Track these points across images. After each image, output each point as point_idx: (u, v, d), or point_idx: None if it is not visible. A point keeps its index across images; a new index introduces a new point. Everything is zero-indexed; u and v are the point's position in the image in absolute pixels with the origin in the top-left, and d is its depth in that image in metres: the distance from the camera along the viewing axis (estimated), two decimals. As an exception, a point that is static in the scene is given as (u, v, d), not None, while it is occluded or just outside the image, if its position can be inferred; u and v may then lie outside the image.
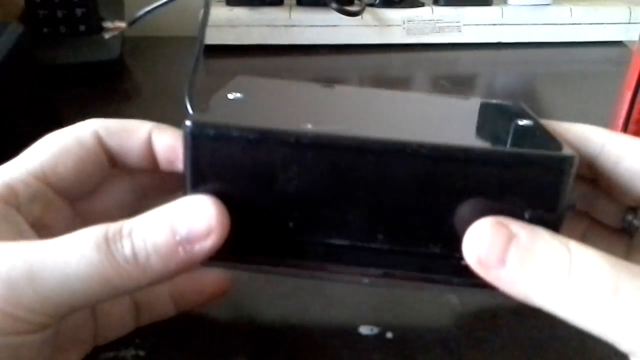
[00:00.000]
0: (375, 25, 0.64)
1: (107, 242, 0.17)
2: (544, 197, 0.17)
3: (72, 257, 0.17)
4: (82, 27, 0.53)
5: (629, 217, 0.22)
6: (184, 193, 0.18)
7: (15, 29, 0.37)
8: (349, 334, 0.24)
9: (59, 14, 0.52)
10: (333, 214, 0.18)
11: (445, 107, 0.22)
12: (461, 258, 0.17)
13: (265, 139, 0.17)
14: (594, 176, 0.22)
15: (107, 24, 0.47)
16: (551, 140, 0.19)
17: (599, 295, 0.15)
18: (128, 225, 0.17)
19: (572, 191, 0.19)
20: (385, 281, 0.19)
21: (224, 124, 0.17)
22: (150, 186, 0.23)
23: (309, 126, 0.17)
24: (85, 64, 0.52)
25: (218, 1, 0.66)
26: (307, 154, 0.17)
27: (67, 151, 0.20)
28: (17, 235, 0.19)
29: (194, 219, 0.17)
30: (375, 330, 0.25)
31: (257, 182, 0.18)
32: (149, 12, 0.43)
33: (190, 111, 0.41)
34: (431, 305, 0.26)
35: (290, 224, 0.18)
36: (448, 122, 0.21)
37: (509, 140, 0.19)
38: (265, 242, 0.19)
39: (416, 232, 0.18)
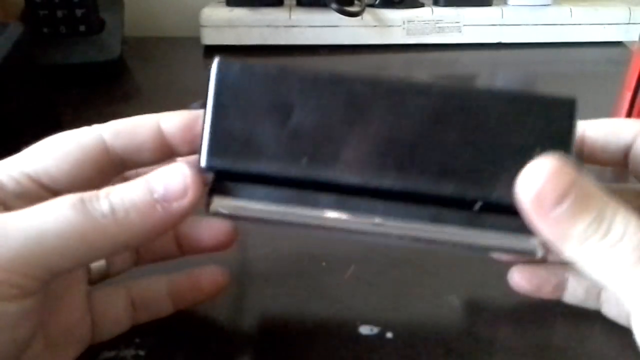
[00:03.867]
0: (375, 26, 0.64)
1: (83, 202, 0.17)
2: (551, 138, 0.18)
3: (48, 216, 0.17)
4: (82, 27, 0.53)
5: None
6: (202, 129, 0.19)
7: (15, 29, 0.37)
8: (349, 334, 0.25)
9: (59, 14, 0.52)
10: (345, 149, 0.18)
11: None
12: (473, 202, 0.18)
13: (285, 75, 0.18)
14: (627, 167, 0.22)
15: None
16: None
17: (625, 261, 0.16)
18: (105, 189, 0.18)
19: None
20: (396, 232, 0.19)
21: (247, 62, 0.19)
22: None
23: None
24: (85, 64, 0.52)
25: (218, 1, 0.66)
26: (323, 90, 0.18)
27: (66, 155, 0.20)
28: None
29: (170, 179, 0.18)
30: (375, 330, 0.25)
31: (272, 115, 0.18)
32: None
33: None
34: (431, 305, 0.26)
35: (304, 160, 0.18)
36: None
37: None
38: (278, 178, 0.19)
39: (427, 169, 0.18)
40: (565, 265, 0.24)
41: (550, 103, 0.18)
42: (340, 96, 0.18)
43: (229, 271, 0.25)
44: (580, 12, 0.65)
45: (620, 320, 0.23)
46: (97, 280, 0.24)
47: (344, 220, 0.19)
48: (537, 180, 0.17)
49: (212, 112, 0.19)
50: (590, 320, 0.24)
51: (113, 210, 0.18)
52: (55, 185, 0.20)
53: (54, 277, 0.18)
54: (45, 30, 0.52)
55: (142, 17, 0.70)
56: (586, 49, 0.65)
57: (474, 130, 0.18)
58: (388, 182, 0.18)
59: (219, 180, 0.19)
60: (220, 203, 0.19)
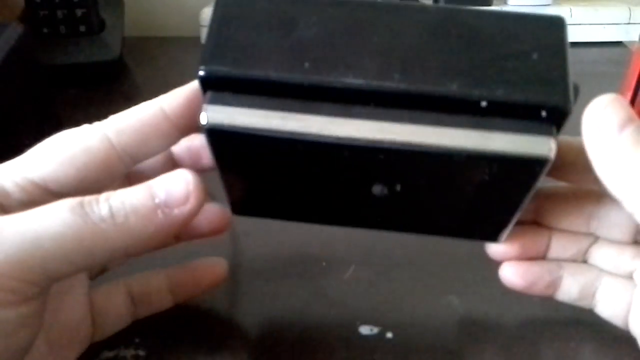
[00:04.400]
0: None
1: (82, 206, 0.17)
2: (546, 44, 0.18)
3: (45, 219, 0.17)
4: (82, 27, 0.53)
5: None
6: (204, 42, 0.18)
7: (15, 29, 0.37)
8: (349, 334, 0.25)
9: (59, 14, 0.52)
10: (349, 55, 0.18)
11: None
12: (479, 102, 0.18)
13: None
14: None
15: None
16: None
17: None
18: (105, 194, 0.18)
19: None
20: (399, 138, 0.18)
21: None
22: None
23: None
24: (85, 64, 0.52)
25: (218, 1, 0.66)
26: (327, 7, 0.18)
27: (72, 159, 0.19)
28: None
29: (172, 185, 0.18)
30: (375, 330, 0.25)
31: (275, 28, 0.18)
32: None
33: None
34: (431, 305, 0.26)
35: (306, 64, 0.18)
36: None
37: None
38: (280, 83, 0.18)
39: (430, 71, 0.18)
40: (559, 262, 0.24)
41: (540, 18, 0.19)
42: (343, 12, 0.18)
43: (226, 262, 0.25)
44: (580, 12, 0.65)
45: (615, 320, 0.23)
46: (97, 274, 0.24)
47: (345, 125, 0.18)
48: (601, 105, 0.17)
49: (213, 25, 0.18)
50: (591, 318, 0.24)
51: (112, 215, 0.17)
52: (62, 190, 0.19)
53: (52, 282, 0.17)
54: (45, 30, 0.52)
55: (142, 17, 0.70)
56: (586, 49, 0.65)
57: (473, 39, 0.18)
58: (392, 83, 0.18)
59: (216, 92, 0.18)
60: (216, 111, 0.18)
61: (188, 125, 0.20)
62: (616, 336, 0.23)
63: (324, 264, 0.29)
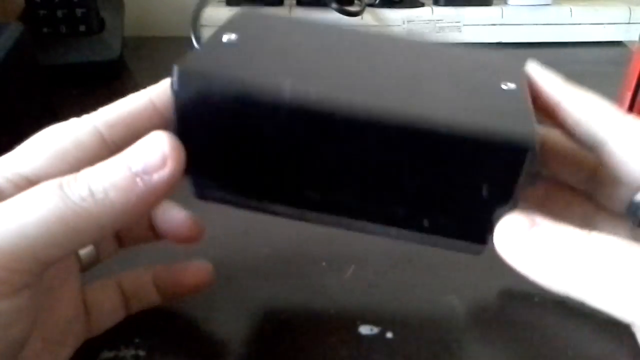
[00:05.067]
0: (376, 25, 0.64)
1: (61, 187, 0.17)
2: (499, 180, 0.18)
3: (27, 206, 0.17)
4: (82, 27, 0.53)
5: (634, 208, 0.21)
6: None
7: (15, 29, 0.37)
8: (349, 334, 0.25)
9: (59, 13, 0.52)
10: (304, 169, 0.19)
11: (440, 60, 0.22)
12: (422, 219, 0.19)
13: (245, 94, 0.18)
14: (600, 158, 0.21)
15: None
16: (523, 116, 0.18)
17: (617, 274, 0.16)
18: (83, 171, 0.18)
19: (534, 163, 0.19)
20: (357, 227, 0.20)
21: (208, 76, 0.18)
22: None
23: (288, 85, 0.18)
24: (85, 64, 0.52)
25: (218, 1, 0.65)
26: (279, 117, 0.18)
27: (64, 153, 0.19)
28: None
29: (147, 151, 0.18)
30: (375, 330, 0.25)
31: (233, 144, 0.19)
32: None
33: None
34: (431, 305, 0.26)
35: (266, 176, 0.19)
36: (432, 77, 0.21)
37: (480, 106, 0.19)
38: (245, 186, 0.20)
39: (381, 194, 0.19)
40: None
41: (505, 146, 0.17)
42: (299, 126, 0.18)
43: (212, 267, 0.25)
44: (580, 12, 0.65)
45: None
46: (88, 267, 0.24)
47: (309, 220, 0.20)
48: (505, 232, 0.18)
49: (177, 129, 0.19)
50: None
51: (91, 192, 0.17)
52: None
53: (43, 268, 0.17)
54: (45, 30, 0.52)
55: (142, 17, 0.70)
56: (586, 49, 0.65)
57: (428, 168, 0.18)
58: (344, 202, 0.19)
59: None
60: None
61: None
62: (616, 335, 0.23)
63: (324, 264, 0.29)
